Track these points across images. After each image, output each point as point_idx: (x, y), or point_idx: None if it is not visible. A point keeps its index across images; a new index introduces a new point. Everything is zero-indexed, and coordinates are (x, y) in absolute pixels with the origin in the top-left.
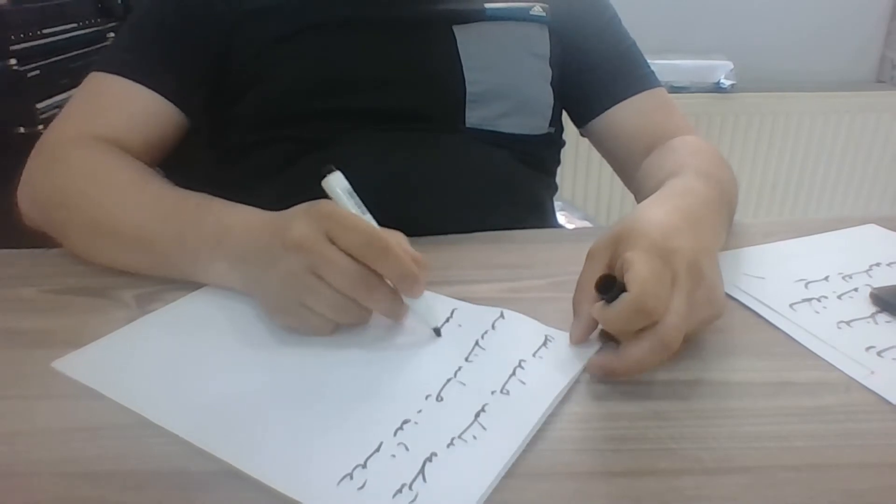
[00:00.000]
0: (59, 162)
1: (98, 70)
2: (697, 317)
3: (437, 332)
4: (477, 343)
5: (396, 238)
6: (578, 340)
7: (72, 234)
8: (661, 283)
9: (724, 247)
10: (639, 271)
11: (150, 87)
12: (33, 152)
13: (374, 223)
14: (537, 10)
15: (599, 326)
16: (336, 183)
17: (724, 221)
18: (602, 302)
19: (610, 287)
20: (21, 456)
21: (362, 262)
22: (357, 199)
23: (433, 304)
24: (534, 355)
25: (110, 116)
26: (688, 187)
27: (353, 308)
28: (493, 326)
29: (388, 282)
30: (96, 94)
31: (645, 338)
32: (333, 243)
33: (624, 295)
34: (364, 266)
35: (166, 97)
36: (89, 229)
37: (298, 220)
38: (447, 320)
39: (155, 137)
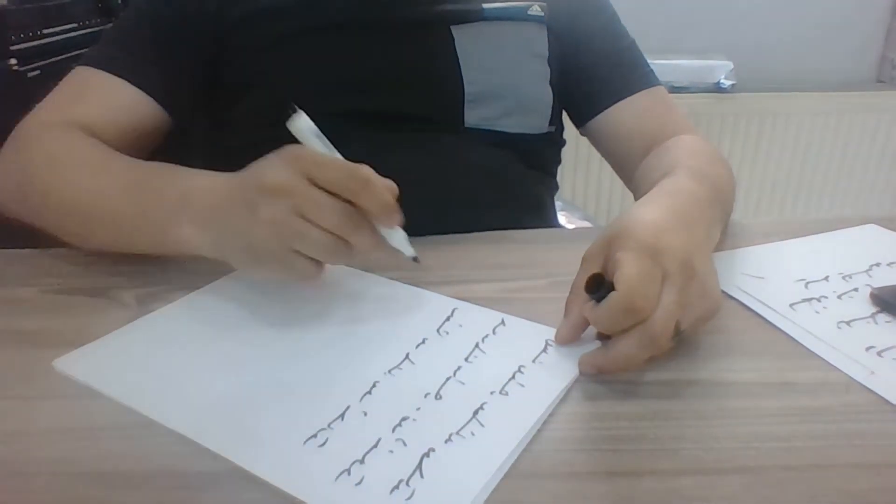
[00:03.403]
0: (26, 147)
1: (81, 64)
2: (692, 313)
3: (416, 259)
4: (477, 345)
5: (368, 169)
6: (564, 340)
7: (46, 217)
8: (649, 281)
9: (723, 246)
10: (627, 270)
11: (131, 83)
12: (7, 140)
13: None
14: (535, 9)
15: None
16: (303, 124)
17: (716, 220)
18: (592, 302)
19: (599, 286)
20: (21, 456)
21: (344, 198)
22: (325, 139)
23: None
24: (534, 361)
25: (87, 105)
26: (679, 186)
27: (342, 247)
28: (493, 332)
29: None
30: (76, 85)
31: (632, 333)
32: (313, 184)
33: (612, 294)
34: (347, 202)
35: (148, 93)
36: (56, 212)
37: (272, 165)
38: (447, 319)
39: (131, 130)
